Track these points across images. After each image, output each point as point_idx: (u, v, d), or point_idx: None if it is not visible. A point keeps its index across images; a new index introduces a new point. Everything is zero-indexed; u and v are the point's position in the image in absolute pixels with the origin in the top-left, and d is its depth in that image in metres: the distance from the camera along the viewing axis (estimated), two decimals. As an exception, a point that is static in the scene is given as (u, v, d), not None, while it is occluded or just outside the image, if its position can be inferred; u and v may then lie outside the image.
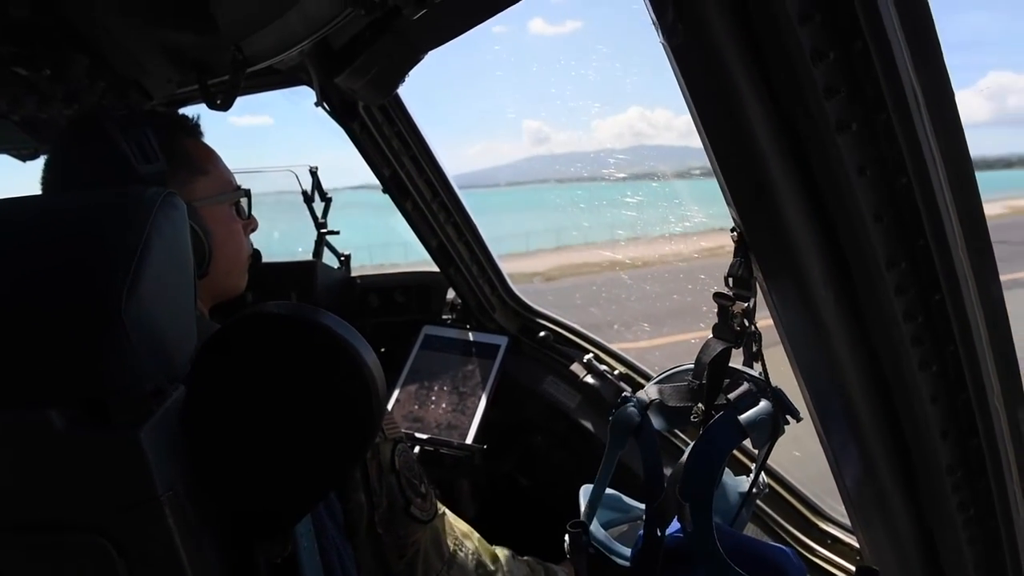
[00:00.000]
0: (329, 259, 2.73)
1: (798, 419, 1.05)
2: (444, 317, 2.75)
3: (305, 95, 2.09)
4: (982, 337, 0.92)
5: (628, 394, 1.22)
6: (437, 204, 2.40)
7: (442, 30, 1.25)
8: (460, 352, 2.51)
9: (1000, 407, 0.99)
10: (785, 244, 0.84)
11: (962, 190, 0.81)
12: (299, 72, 1.96)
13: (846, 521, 1.77)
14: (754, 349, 1.04)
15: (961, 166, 0.79)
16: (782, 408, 1.04)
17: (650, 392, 1.20)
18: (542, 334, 2.53)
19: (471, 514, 2.42)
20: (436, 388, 2.45)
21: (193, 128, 1.38)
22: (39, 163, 1.36)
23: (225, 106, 1.67)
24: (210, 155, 1.38)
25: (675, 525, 1.08)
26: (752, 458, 1.88)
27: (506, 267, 2.62)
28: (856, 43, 0.70)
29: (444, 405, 2.41)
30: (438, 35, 1.27)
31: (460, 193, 2.44)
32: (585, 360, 2.38)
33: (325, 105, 2.09)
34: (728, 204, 0.89)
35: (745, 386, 1.07)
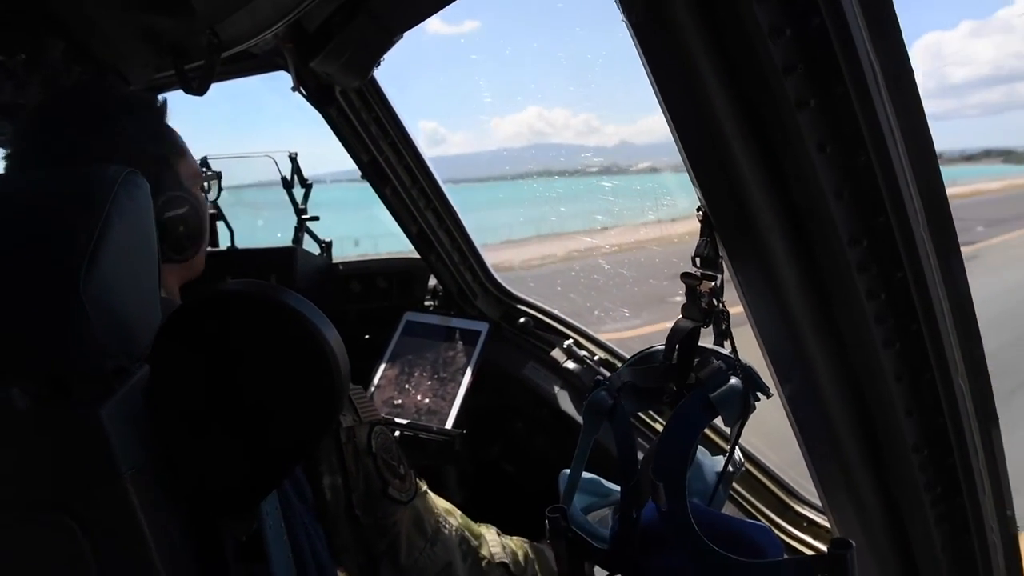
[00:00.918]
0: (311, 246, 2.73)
1: (768, 395, 1.06)
2: (426, 303, 2.75)
3: (282, 80, 2.09)
4: (945, 315, 0.93)
5: (601, 378, 1.22)
6: (417, 190, 2.40)
7: (413, 10, 1.24)
8: (441, 338, 2.51)
9: (964, 385, 1.00)
10: (748, 223, 0.85)
11: (922, 167, 0.81)
12: (275, 57, 1.96)
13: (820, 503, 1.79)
14: (723, 327, 1.05)
15: (921, 142, 0.80)
16: (752, 385, 1.05)
17: (622, 375, 1.20)
18: (523, 320, 2.54)
19: (458, 501, 2.43)
20: (417, 374, 2.46)
21: (163, 110, 1.37)
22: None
23: (201, 90, 1.66)
24: (179, 137, 1.38)
25: (651, 508, 1.08)
26: (727, 439, 1.89)
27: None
28: (814, 19, 0.71)
29: (424, 391, 2.41)
30: (409, 16, 1.27)
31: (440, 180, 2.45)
32: (565, 346, 2.39)
33: (302, 90, 2.08)
34: (692, 183, 0.90)
35: (715, 364, 1.07)
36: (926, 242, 0.86)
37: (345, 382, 0.86)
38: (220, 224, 2.68)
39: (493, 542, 1.35)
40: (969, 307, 0.96)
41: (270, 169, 2.74)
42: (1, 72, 1.65)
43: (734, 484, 1.89)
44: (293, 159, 2.66)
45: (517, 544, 1.43)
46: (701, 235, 0.96)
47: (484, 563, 1.30)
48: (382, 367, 2.51)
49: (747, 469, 1.90)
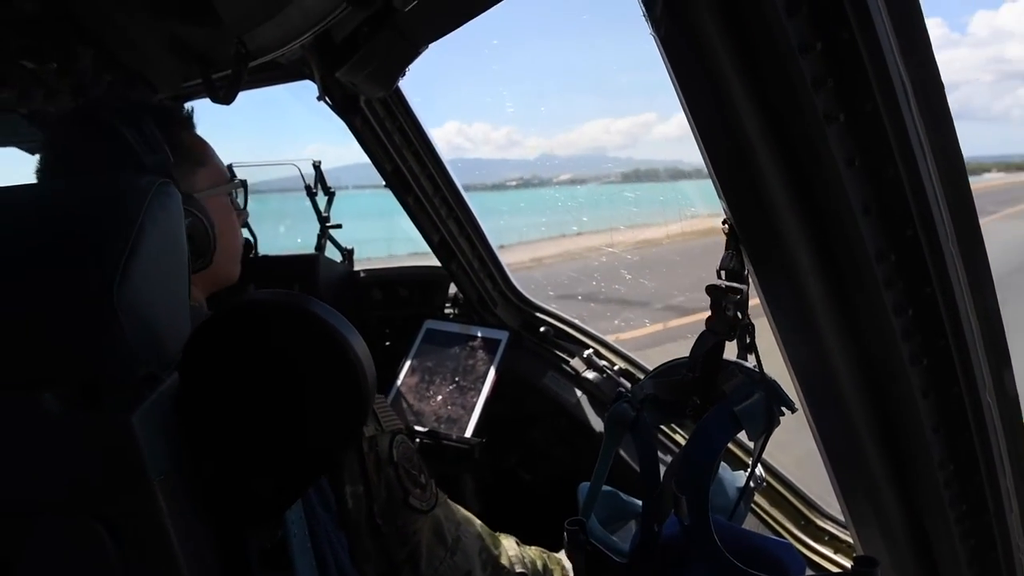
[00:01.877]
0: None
1: (792, 410, 1.05)
2: (446, 312, 2.76)
3: (308, 89, 2.11)
4: (973, 331, 0.92)
5: (623, 390, 1.22)
6: (439, 199, 2.41)
7: (439, 23, 1.26)
8: (461, 346, 2.52)
9: (992, 401, 0.98)
10: (775, 237, 0.84)
11: (952, 181, 0.81)
12: (301, 66, 1.98)
13: (843, 518, 1.78)
14: (747, 341, 1.04)
15: (951, 156, 0.79)
16: (776, 399, 1.04)
17: (645, 387, 1.20)
18: (543, 329, 2.54)
19: (475, 510, 2.43)
20: (437, 382, 2.46)
21: (187, 120, 1.39)
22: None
23: (228, 99, 1.68)
24: (206, 146, 1.40)
25: (673, 522, 1.07)
26: (750, 453, 1.88)
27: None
28: (843, 33, 0.70)
29: (444, 399, 2.42)
30: (435, 28, 1.28)
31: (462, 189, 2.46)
32: (585, 355, 2.39)
33: (327, 99, 2.10)
34: (719, 196, 0.90)
35: (739, 378, 1.07)
36: (955, 257, 0.85)
37: (372, 391, 0.86)
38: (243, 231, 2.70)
39: (512, 551, 1.35)
40: (998, 322, 0.95)
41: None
42: (32, 80, 1.69)
43: (755, 498, 1.87)
44: (316, 167, 2.68)
45: (535, 554, 1.43)
46: (727, 248, 0.96)
47: (504, 573, 1.30)
48: (402, 375, 2.52)
49: (767, 482, 1.89)
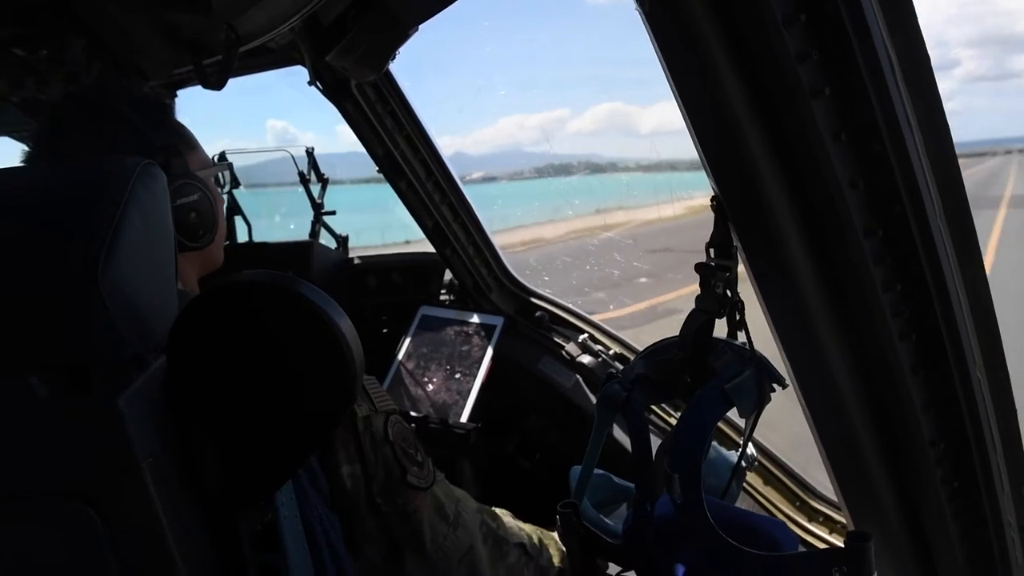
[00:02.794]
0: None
1: (783, 385, 1.05)
2: (442, 298, 2.75)
3: (299, 74, 2.09)
4: (963, 307, 0.92)
5: (613, 371, 1.22)
6: (432, 184, 2.40)
7: (427, 3, 1.25)
8: (456, 332, 2.52)
9: (982, 377, 0.98)
10: (762, 213, 0.84)
11: (939, 156, 0.80)
12: (292, 51, 1.96)
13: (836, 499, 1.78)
14: (737, 318, 1.04)
15: (937, 131, 0.79)
16: (767, 375, 1.04)
17: (635, 367, 1.20)
18: (538, 314, 2.54)
19: (472, 494, 2.43)
20: (432, 368, 2.46)
21: (170, 106, 1.40)
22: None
23: (219, 85, 1.68)
24: (189, 131, 1.40)
25: (666, 502, 1.07)
26: (741, 433, 1.88)
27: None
28: (828, 5, 0.70)
29: (440, 385, 2.42)
30: (423, 9, 1.27)
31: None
32: (580, 340, 2.39)
33: (318, 84, 2.09)
34: (707, 174, 0.89)
35: (729, 355, 1.07)
36: (943, 232, 0.85)
37: (359, 370, 0.86)
38: (237, 219, 2.70)
39: (510, 523, 1.35)
40: (987, 299, 0.95)
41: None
42: (23, 69, 1.67)
43: (747, 478, 1.88)
44: (310, 153, 2.67)
45: (531, 529, 1.44)
46: (715, 224, 0.96)
47: (504, 544, 1.30)
48: (398, 361, 2.52)
49: (760, 462, 1.89)
